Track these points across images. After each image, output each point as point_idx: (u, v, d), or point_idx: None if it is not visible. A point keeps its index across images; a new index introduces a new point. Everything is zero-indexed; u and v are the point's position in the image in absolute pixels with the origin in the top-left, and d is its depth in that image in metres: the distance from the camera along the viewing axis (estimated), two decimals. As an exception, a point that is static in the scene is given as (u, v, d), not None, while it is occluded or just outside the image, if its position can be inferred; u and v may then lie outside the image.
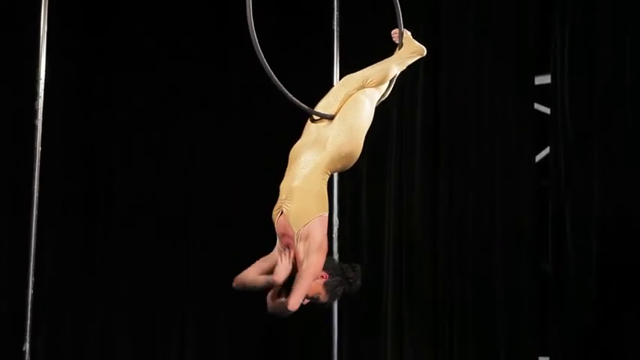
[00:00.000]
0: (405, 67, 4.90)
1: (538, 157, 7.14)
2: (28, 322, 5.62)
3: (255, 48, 4.34)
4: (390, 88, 4.83)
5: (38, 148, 5.76)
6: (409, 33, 4.92)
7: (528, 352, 6.87)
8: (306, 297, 4.18)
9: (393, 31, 4.94)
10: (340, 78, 6.02)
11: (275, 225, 4.28)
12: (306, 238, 4.21)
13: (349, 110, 4.55)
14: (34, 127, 5.75)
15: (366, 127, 4.58)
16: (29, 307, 5.63)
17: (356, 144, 4.49)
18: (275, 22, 7.57)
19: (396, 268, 7.25)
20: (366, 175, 7.46)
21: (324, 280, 4.22)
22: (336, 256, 6.24)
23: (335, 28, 6.40)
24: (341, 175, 6.25)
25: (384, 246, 7.34)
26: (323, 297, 4.25)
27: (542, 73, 7.06)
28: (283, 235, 4.26)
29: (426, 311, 7.13)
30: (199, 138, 7.84)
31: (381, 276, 7.29)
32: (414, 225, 7.26)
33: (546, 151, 7.05)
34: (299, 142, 4.51)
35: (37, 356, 6.26)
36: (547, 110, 7.04)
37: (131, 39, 7.73)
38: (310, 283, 4.14)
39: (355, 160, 4.53)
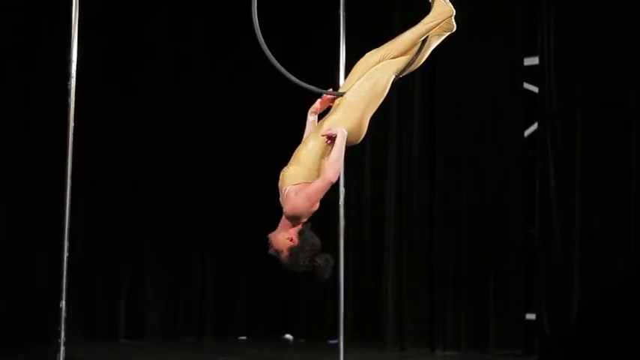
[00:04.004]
0: (439, 32, 4.33)
1: (527, 132, 7.23)
2: (64, 281, 5.64)
3: (260, 42, 4.10)
4: (423, 54, 4.29)
5: (71, 124, 5.75)
6: None
7: (516, 309, 7.01)
8: (272, 248, 4.00)
9: None
10: (346, 62, 6.05)
11: None
12: (286, 199, 4.01)
13: (356, 88, 4.14)
14: (67, 105, 5.71)
15: (373, 103, 4.16)
16: (64, 268, 5.65)
17: (354, 121, 4.08)
18: (281, 13, 7.64)
19: (396, 235, 7.39)
20: (370, 148, 7.52)
21: (292, 243, 3.95)
22: (342, 221, 6.26)
23: (341, 13, 6.33)
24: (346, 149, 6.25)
25: (385, 213, 7.46)
26: (283, 257, 3.97)
27: (531, 54, 7.12)
28: (279, 194, 4.08)
29: (423, 272, 7.27)
30: (220, 120, 7.91)
31: (382, 243, 7.41)
32: (413, 194, 7.39)
33: (534, 126, 7.14)
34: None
35: (72, 312, 6.30)
36: (535, 89, 7.12)
37: (160, 25, 7.75)
38: (296, 197, 3.93)
39: (359, 136, 4.14)
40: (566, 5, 6.83)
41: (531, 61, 7.11)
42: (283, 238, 3.98)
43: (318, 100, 4.24)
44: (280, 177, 4.06)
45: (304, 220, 4.01)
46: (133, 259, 7.54)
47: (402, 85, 7.22)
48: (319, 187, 3.94)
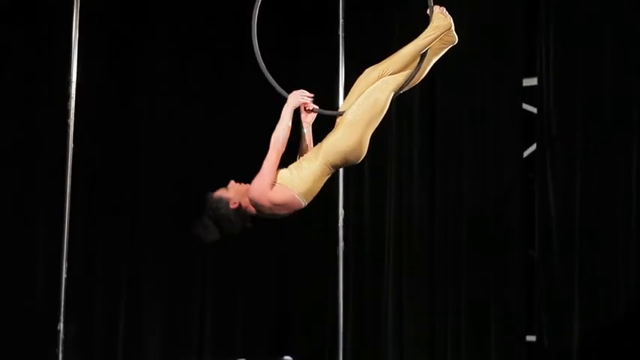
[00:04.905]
0: (440, 46, 4.31)
1: (526, 153, 7.21)
2: (62, 303, 5.57)
3: (260, 63, 4.24)
4: (423, 69, 4.27)
5: (70, 146, 5.75)
6: (441, 8, 4.34)
7: (517, 330, 6.95)
8: (230, 184, 4.12)
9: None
10: (345, 83, 6.02)
11: None
12: None
13: (356, 107, 4.14)
14: (66, 126, 5.71)
15: (373, 122, 4.15)
16: (63, 289, 5.59)
17: (354, 140, 4.09)
18: (280, 29, 7.57)
19: (396, 257, 7.34)
20: (369, 169, 7.49)
21: (231, 202, 4.06)
22: (341, 244, 6.22)
23: (340, 34, 6.32)
24: (346, 170, 6.27)
25: (384, 235, 7.41)
26: (217, 194, 4.09)
27: (530, 75, 7.13)
28: None
29: (423, 294, 7.22)
30: (221, 140, 7.82)
31: (382, 266, 7.36)
32: (413, 216, 7.35)
33: (533, 147, 7.13)
34: None
35: (69, 334, 6.20)
36: (534, 110, 7.12)
37: (157, 44, 7.71)
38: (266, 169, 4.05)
39: (360, 155, 4.16)
40: (565, 26, 6.85)
41: (530, 82, 7.13)
42: (236, 195, 4.07)
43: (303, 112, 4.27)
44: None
45: (259, 210, 4.06)
46: (132, 281, 7.45)
47: (401, 106, 7.28)
48: (268, 154, 4.04)
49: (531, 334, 6.89)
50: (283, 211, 4.10)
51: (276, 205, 4.05)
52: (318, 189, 4.14)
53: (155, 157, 7.66)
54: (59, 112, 5.96)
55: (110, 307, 7.37)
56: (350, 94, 4.28)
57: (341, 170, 6.08)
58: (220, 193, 4.10)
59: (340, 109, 4.26)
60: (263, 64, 4.21)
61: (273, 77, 4.26)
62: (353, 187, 7.41)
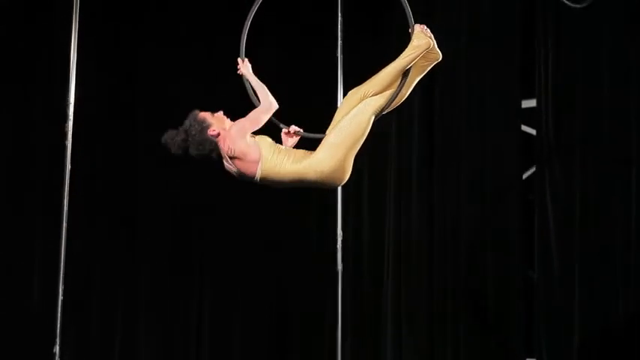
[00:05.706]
0: (423, 64, 4.29)
1: (525, 174, 7.22)
2: (58, 325, 5.52)
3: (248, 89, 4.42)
4: (405, 89, 4.26)
5: (68, 167, 5.75)
6: (421, 27, 4.27)
7: (516, 352, 6.92)
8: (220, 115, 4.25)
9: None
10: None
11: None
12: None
13: (338, 130, 4.16)
14: (64, 148, 5.70)
15: (355, 144, 4.16)
16: (59, 311, 5.54)
17: (336, 161, 4.12)
18: (278, 48, 7.53)
19: (395, 276, 7.25)
20: (367, 192, 7.44)
21: (212, 128, 4.16)
22: (340, 266, 6.18)
23: (339, 55, 6.30)
24: (344, 190, 6.23)
25: (383, 256, 7.33)
26: (201, 115, 4.21)
27: (528, 97, 7.14)
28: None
29: (422, 314, 7.16)
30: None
31: (380, 290, 7.29)
32: (411, 237, 7.27)
33: (533, 168, 7.14)
34: None
35: (65, 357, 6.13)
36: (533, 131, 7.14)
37: (157, 44, 7.62)
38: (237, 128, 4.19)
39: (342, 176, 4.19)
40: (563, 48, 6.88)
41: (529, 103, 7.14)
42: (218, 125, 4.17)
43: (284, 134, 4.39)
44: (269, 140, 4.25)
45: (226, 150, 4.14)
46: (129, 283, 7.33)
47: (400, 128, 7.28)
48: (261, 106, 4.22)
49: (531, 356, 6.84)
50: (240, 167, 4.14)
51: (241, 153, 4.12)
52: (276, 185, 4.21)
53: (155, 161, 7.57)
54: (58, 115, 5.96)
55: (108, 306, 7.26)
56: (335, 116, 4.29)
57: (339, 191, 6.10)
58: (206, 115, 4.20)
59: (328, 130, 4.27)
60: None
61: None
62: (352, 196, 7.28)
